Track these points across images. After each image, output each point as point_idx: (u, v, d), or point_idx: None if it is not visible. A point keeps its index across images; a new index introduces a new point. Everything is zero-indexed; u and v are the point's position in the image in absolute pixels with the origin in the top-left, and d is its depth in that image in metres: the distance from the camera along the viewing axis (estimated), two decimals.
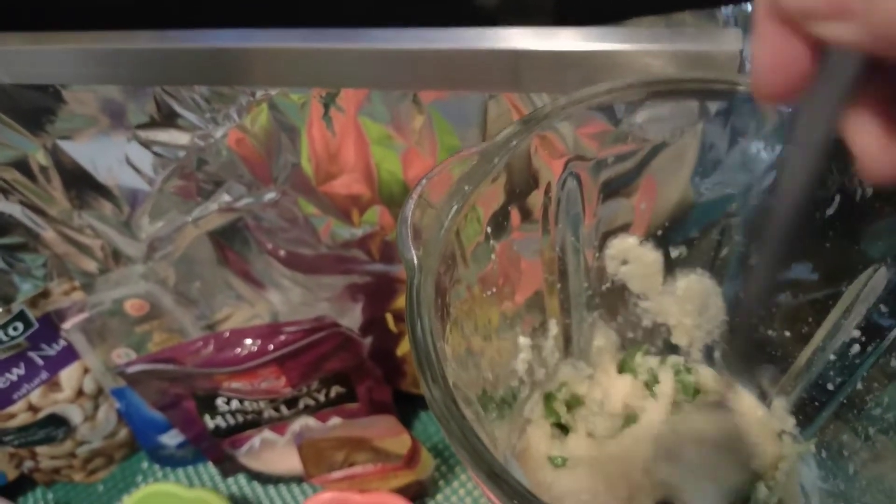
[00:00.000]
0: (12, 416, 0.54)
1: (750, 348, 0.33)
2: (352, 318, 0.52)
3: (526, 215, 0.32)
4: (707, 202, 0.32)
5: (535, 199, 0.32)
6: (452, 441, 0.21)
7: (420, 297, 0.21)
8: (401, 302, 0.51)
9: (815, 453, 0.32)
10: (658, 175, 0.33)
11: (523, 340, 0.33)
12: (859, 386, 0.28)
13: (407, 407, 0.57)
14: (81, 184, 0.46)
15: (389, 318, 0.52)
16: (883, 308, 0.27)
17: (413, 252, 0.23)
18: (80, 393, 0.56)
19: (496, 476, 0.20)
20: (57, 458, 0.59)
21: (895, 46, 0.14)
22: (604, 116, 0.32)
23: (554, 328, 0.34)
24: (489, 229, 0.30)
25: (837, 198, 0.27)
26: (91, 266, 0.53)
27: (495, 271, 0.31)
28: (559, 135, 0.30)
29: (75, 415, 0.57)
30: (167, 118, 0.38)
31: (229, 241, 0.48)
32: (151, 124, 0.40)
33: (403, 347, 0.54)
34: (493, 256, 0.31)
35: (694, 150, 0.33)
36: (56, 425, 0.56)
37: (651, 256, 0.33)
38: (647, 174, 0.33)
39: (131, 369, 0.47)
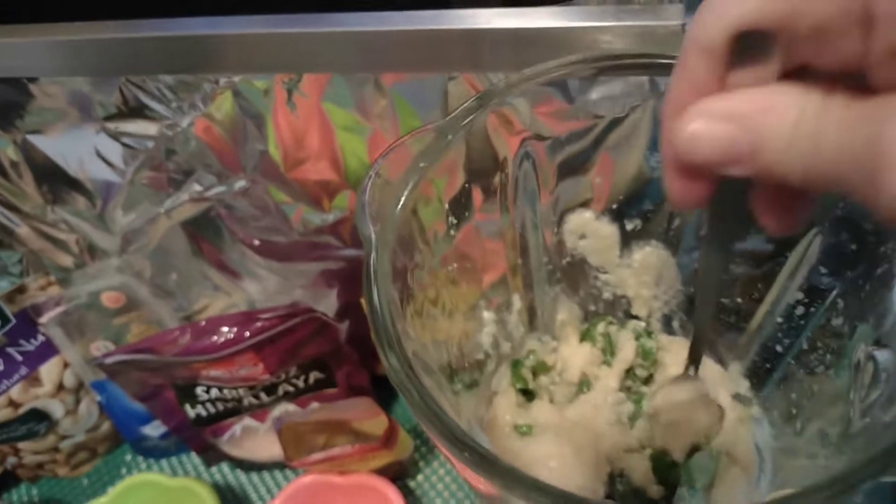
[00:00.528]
0: None
1: (706, 318, 0.35)
2: (327, 304, 0.53)
3: (487, 195, 0.33)
4: (660, 177, 0.33)
5: (495, 179, 0.33)
6: (413, 408, 0.22)
7: (376, 270, 0.22)
8: None
9: (767, 413, 0.33)
10: (613, 152, 0.34)
11: (487, 315, 0.34)
12: (805, 346, 0.30)
13: (385, 391, 0.58)
14: (53, 178, 0.46)
15: (363, 303, 0.53)
16: (822, 269, 0.28)
17: (371, 228, 0.24)
18: (60, 387, 0.57)
19: (457, 440, 0.21)
20: (40, 453, 0.59)
21: (775, 175, 0.18)
22: (559, 94, 0.33)
23: (517, 303, 0.36)
24: (450, 211, 0.31)
25: None
26: (67, 261, 0.54)
27: (458, 253, 0.32)
28: (515, 111, 0.31)
29: (56, 409, 0.57)
30: (134, 109, 0.39)
31: (202, 231, 0.49)
32: (119, 116, 0.40)
33: None
34: (455, 238, 0.31)
35: (647, 125, 0.34)
36: (38, 420, 0.56)
37: (607, 230, 0.34)
38: (602, 151, 0.34)
39: (110, 360, 0.48)
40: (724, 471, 0.32)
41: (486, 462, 0.20)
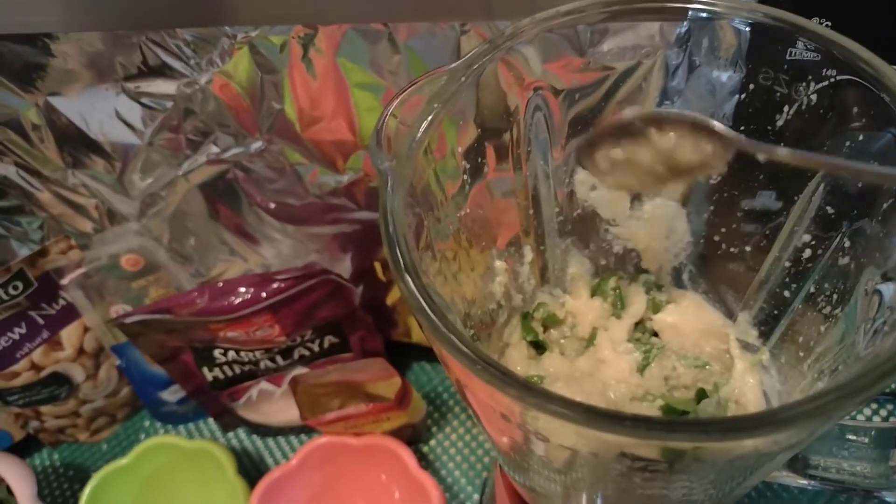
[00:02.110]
0: (16, 374, 0.56)
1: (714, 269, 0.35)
2: (342, 268, 0.54)
3: (500, 151, 0.33)
4: None
5: (508, 133, 0.33)
6: (432, 332, 0.21)
7: (393, 198, 0.23)
8: None
9: (775, 360, 0.34)
10: (623, 105, 0.34)
11: (499, 264, 0.35)
12: (812, 289, 0.30)
13: (398, 357, 0.59)
14: (74, 141, 0.47)
15: (378, 266, 0.54)
16: (829, 210, 0.28)
17: (386, 163, 0.24)
18: (81, 351, 0.58)
19: (477, 357, 0.20)
20: (61, 418, 0.61)
21: None
22: (569, 46, 0.33)
23: (529, 254, 0.36)
24: (465, 162, 0.31)
25: (785, 108, 0.29)
26: (86, 226, 0.55)
27: (473, 204, 0.33)
28: (526, 63, 0.31)
29: (77, 373, 0.58)
30: (154, 68, 0.40)
31: (219, 195, 0.50)
32: (138, 75, 0.41)
33: (394, 296, 0.56)
34: (469, 190, 0.32)
35: (657, 77, 0.34)
36: (59, 384, 0.58)
37: None
38: (614, 104, 0.34)
39: (129, 320, 0.49)
40: None
41: (507, 376, 0.20)
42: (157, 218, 0.53)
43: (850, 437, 0.32)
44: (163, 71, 0.40)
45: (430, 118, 0.26)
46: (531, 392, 0.19)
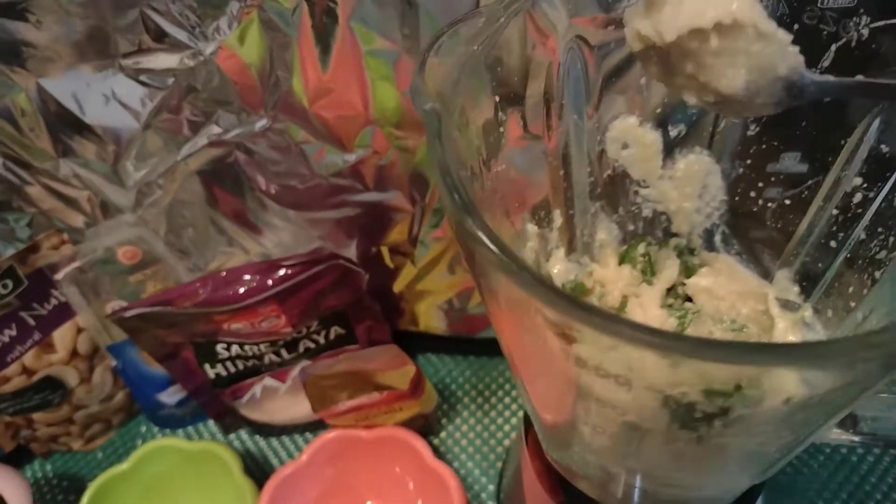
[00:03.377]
0: (7, 379, 0.53)
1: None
2: (347, 255, 0.52)
3: (532, 108, 0.32)
4: None
5: (538, 89, 0.32)
6: (503, 270, 0.20)
7: (445, 135, 0.22)
8: (395, 234, 0.51)
9: (819, 316, 0.33)
10: None
11: (531, 227, 0.33)
12: (863, 235, 0.29)
13: (406, 347, 0.57)
14: (66, 127, 0.45)
15: (385, 252, 0.52)
16: (883, 148, 0.27)
17: (429, 104, 0.23)
18: (74, 354, 0.55)
19: (522, 267, 0.19)
20: (54, 425, 0.58)
21: None
22: (594, 1, 0.32)
23: (558, 219, 0.35)
24: (503, 118, 0.30)
25: (833, 48, 0.28)
26: (78, 221, 0.53)
27: (507, 172, 0.31)
28: (553, 13, 0.30)
29: (71, 377, 0.56)
30: (155, 39, 0.38)
31: (220, 180, 0.48)
32: (138, 51, 0.39)
33: (401, 283, 0.54)
34: (502, 149, 0.31)
35: None
36: (52, 389, 0.55)
37: (650, 137, 0.34)
38: None
39: (130, 313, 0.47)
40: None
41: (559, 293, 0.19)
42: (154, 208, 0.51)
43: None
44: (165, 42, 0.38)
45: (469, 60, 0.25)
46: (618, 320, 0.18)
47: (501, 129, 0.29)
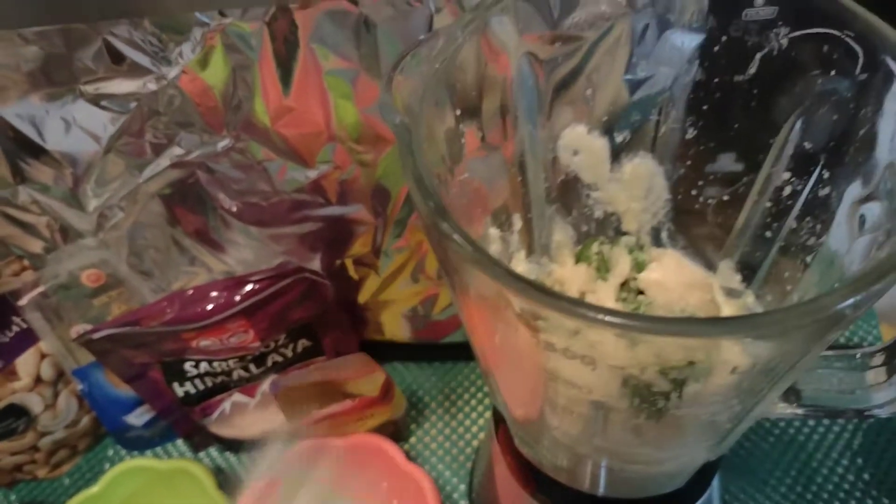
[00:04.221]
0: None
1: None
2: (311, 268, 0.54)
3: (489, 120, 0.34)
4: (644, 83, 0.35)
5: (494, 101, 0.34)
6: (478, 266, 0.21)
7: (416, 144, 0.23)
8: (358, 246, 0.52)
9: (760, 300, 0.36)
10: (598, 71, 0.36)
11: (493, 231, 0.35)
12: (794, 225, 0.32)
13: (372, 357, 0.59)
14: (24, 153, 0.45)
15: (349, 263, 0.54)
16: (806, 145, 0.30)
17: (399, 118, 0.25)
18: (38, 380, 0.55)
19: (497, 264, 0.21)
20: (18, 454, 0.57)
21: None
22: (542, 20, 0.35)
23: (518, 223, 0.37)
24: (463, 130, 0.32)
25: (758, 56, 0.31)
26: (37, 247, 0.52)
27: (470, 180, 0.33)
28: (504, 31, 0.32)
29: (35, 404, 0.55)
30: (116, 65, 0.39)
31: (182, 200, 0.49)
32: (99, 77, 0.40)
33: (365, 294, 0.56)
34: (465, 158, 0.33)
35: (625, 44, 0.36)
36: (16, 416, 0.55)
37: (598, 143, 0.36)
38: (587, 72, 0.36)
39: (97, 335, 0.47)
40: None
41: (528, 282, 0.21)
42: (115, 231, 0.51)
43: (837, 364, 0.34)
44: (127, 67, 0.39)
45: (432, 77, 0.27)
46: (581, 305, 0.20)
47: (462, 141, 0.31)
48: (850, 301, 0.19)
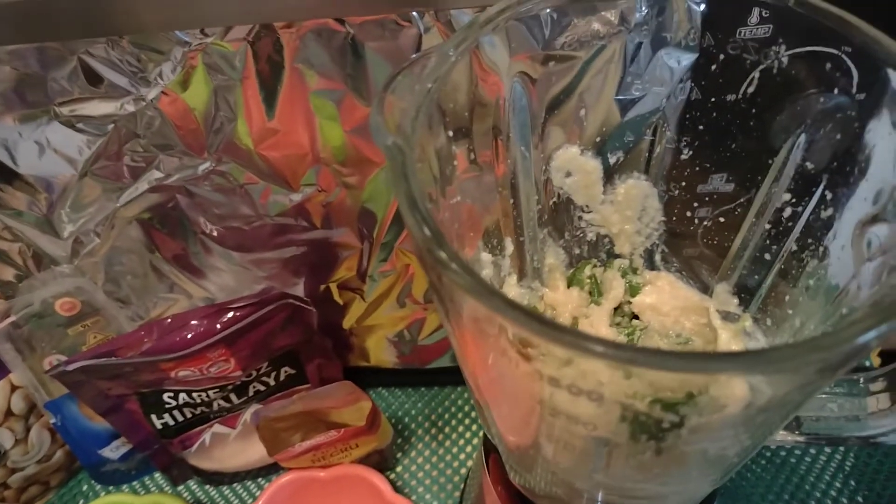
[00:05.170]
0: None
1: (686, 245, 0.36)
2: (295, 294, 0.52)
3: (481, 141, 0.33)
4: (636, 103, 0.34)
5: (486, 123, 0.33)
6: (476, 295, 0.20)
7: (410, 168, 0.22)
8: (343, 271, 0.51)
9: (759, 324, 0.35)
10: (590, 91, 0.35)
11: (485, 256, 0.34)
12: (794, 247, 0.31)
13: (356, 383, 0.57)
14: None
15: (334, 288, 0.52)
16: (808, 165, 0.30)
17: (391, 139, 0.24)
18: (8, 413, 0.53)
19: (492, 292, 0.20)
20: None
21: None
22: (533, 40, 0.34)
23: (510, 246, 0.36)
24: (455, 151, 0.31)
25: (756, 75, 0.30)
26: (9, 274, 0.51)
27: (461, 203, 0.32)
28: (494, 52, 0.32)
29: (5, 439, 0.53)
30: (93, 86, 0.37)
31: (161, 225, 0.47)
32: (75, 98, 0.39)
33: (350, 319, 0.54)
34: (457, 181, 0.32)
35: (617, 63, 0.35)
36: None
37: (591, 164, 0.35)
38: (579, 91, 0.35)
39: (72, 367, 0.45)
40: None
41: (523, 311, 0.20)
42: (91, 258, 0.49)
43: (837, 390, 0.33)
44: (103, 88, 0.38)
45: (425, 98, 0.26)
46: (577, 334, 0.19)
47: (455, 163, 0.30)
48: (874, 333, 0.18)
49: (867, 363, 0.59)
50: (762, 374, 0.19)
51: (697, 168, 0.34)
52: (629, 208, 0.37)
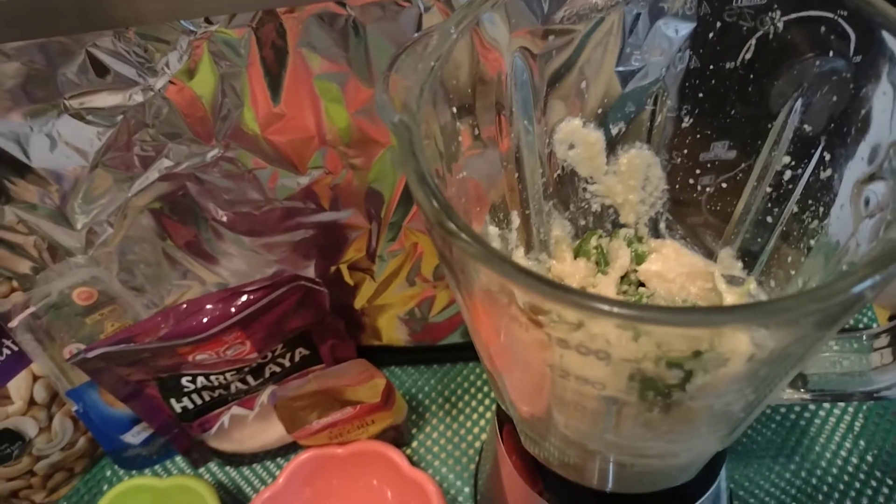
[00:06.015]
0: None
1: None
2: (306, 276, 0.53)
3: (484, 117, 0.34)
4: (636, 73, 0.35)
5: (489, 99, 0.34)
6: (487, 264, 0.21)
7: (417, 144, 0.23)
8: (353, 252, 0.52)
9: (763, 287, 0.36)
10: (590, 63, 0.36)
11: (492, 229, 0.35)
12: (795, 209, 0.32)
13: (370, 362, 0.58)
14: (9, 172, 0.44)
15: (344, 269, 0.53)
16: (806, 128, 0.30)
17: (397, 116, 0.24)
18: (31, 403, 0.54)
19: (502, 259, 0.21)
20: (14, 479, 0.56)
21: None
22: (532, 15, 0.34)
23: (516, 220, 0.37)
24: (460, 128, 0.32)
25: (753, 42, 0.31)
26: (25, 267, 0.52)
27: (468, 178, 0.33)
28: (494, 28, 0.32)
29: (29, 427, 0.54)
30: (100, 78, 0.38)
31: (172, 213, 0.48)
32: (83, 91, 0.39)
33: (361, 299, 0.55)
34: (463, 157, 0.32)
35: (616, 35, 0.36)
36: (10, 441, 0.54)
37: (594, 136, 0.36)
38: (579, 64, 0.36)
39: (91, 354, 0.46)
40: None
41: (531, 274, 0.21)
42: (105, 248, 0.50)
43: (842, 345, 0.34)
44: (111, 80, 0.38)
45: (429, 75, 0.26)
46: (587, 296, 0.20)
47: (460, 139, 0.31)
48: (868, 283, 0.19)
49: (874, 325, 0.60)
50: (763, 325, 0.20)
51: (698, 136, 0.35)
52: (632, 178, 0.38)
